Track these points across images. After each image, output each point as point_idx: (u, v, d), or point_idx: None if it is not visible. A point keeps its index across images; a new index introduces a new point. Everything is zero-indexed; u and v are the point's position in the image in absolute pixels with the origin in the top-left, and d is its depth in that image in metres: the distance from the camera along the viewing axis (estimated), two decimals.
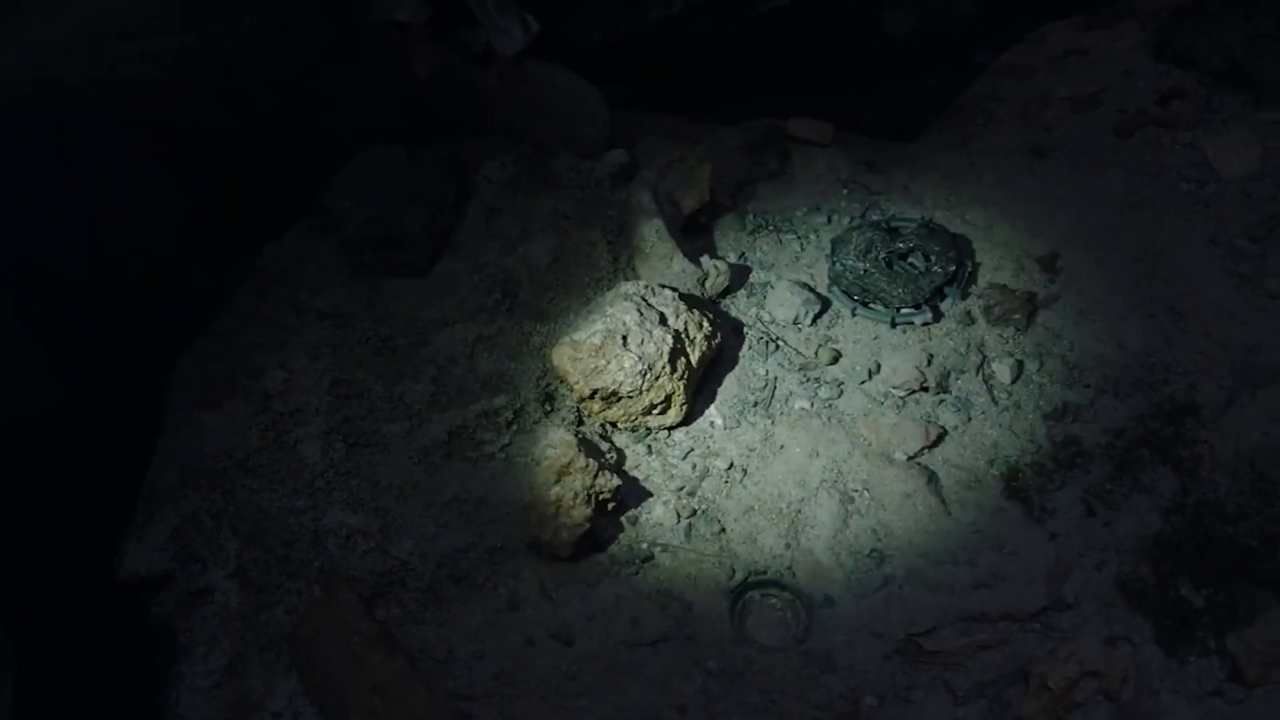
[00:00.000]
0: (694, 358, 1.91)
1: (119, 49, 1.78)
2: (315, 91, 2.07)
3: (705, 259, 2.03)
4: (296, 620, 1.78)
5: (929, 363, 1.96)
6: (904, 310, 2.00)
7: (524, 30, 1.73)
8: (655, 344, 1.87)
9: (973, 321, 2.00)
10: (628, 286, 1.95)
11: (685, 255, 2.01)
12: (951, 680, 1.73)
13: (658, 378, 1.87)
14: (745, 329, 2.01)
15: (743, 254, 2.07)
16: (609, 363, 1.86)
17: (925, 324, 2.00)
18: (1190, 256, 2.02)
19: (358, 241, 2.06)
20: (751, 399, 1.95)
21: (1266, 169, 2.09)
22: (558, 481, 1.81)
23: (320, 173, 2.11)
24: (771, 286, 2.04)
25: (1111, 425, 1.89)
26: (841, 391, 1.96)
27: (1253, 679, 1.69)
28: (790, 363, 1.98)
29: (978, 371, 1.95)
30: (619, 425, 1.91)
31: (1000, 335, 1.98)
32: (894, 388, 1.95)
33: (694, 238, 2.09)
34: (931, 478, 1.87)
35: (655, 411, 1.89)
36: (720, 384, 1.98)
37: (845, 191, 2.16)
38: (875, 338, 2.00)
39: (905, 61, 2.53)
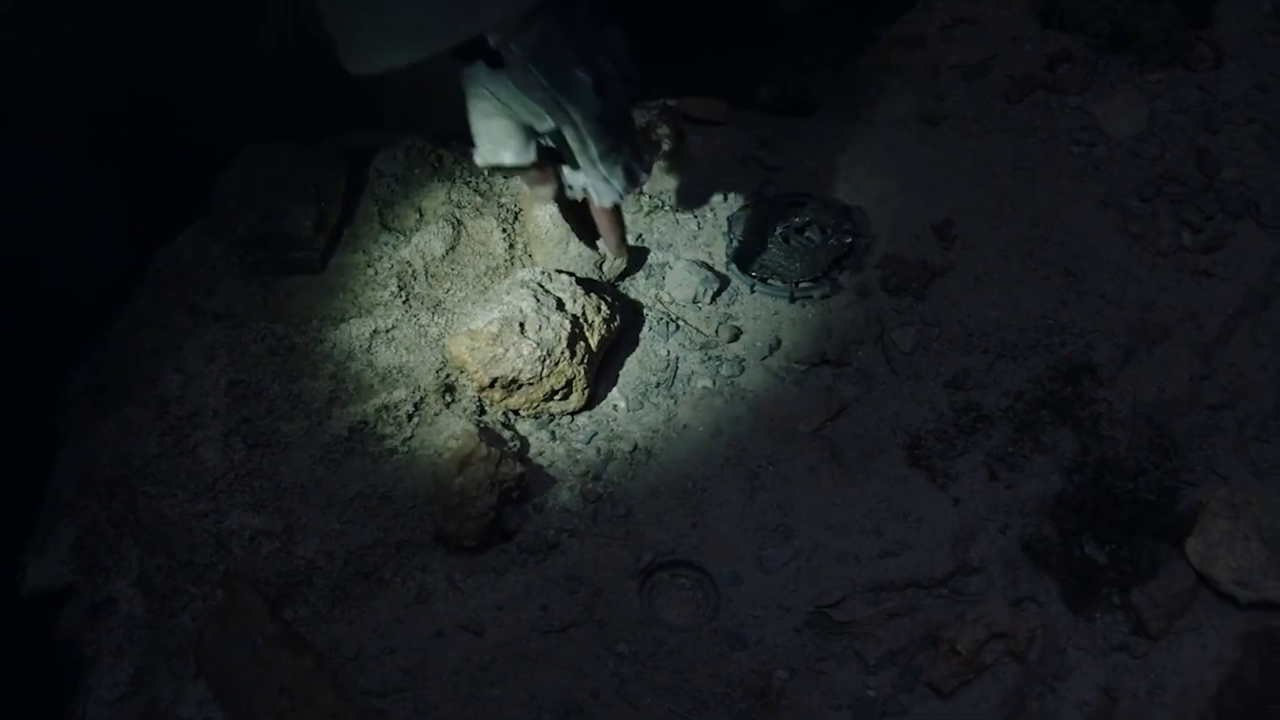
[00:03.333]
0: (593, 341, 1.90)
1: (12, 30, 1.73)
2: (209, 76, 2.03)
3: (601, 242, 2.01)
4: (201, 625, 1.76)
5: (828, 336, 1.97)
6: (802, 284, 2.00)
7: (628, 182, 1.69)
8: (553, 330, 1.86)
9: (871, 293, 2.00)
10: (524, 274, 1.94)
11: (580, 240, 2.00)
12: (862, 649, 1.74)
13: (557, 363, 1.86)
14: (645, 310, 2.00)
15: (640, 235, 2.06)
16: (507, 350, 1.85)
17: (824, 297, 2.00)
18: (1083, 218, 2.03)
19: (248, 241, 2.03)
20: (654, 380, 1.95)
21: (1154, 128, 2.11)
22: (461, 472, 1.80)
23: (210, 170, 2.08)
24: (670, 267, 2.03)
25: (1011, 389, 1.90)
26: (743, 369, 1.95)
27: (1156, 631, 1.72)
28: (691, 342, 1.98)
29: (877, 342, 1.95)
30: (521, 413, 1.90)
31: (898, 305, 1.98)
32: (795, 362, 1.95)
33: (590, 220, 2.06)
34: (835, 450, 1.87)
35: (557, 397, 1.88)
36: (622, 367, 1.97)
37: (741, 169, 2.15)
38: (775, 313, 2.00)
39: (802, 37, 2.53)
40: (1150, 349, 1.91)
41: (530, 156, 1.69)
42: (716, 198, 2.14)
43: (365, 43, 1.48)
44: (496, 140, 1.66)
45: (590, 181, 1.72)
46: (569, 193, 1.77)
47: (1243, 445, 1.85)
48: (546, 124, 1.63)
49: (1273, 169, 2.02)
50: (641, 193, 1.83)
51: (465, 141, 2.11)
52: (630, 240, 2.08)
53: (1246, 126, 2.07)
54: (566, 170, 1.74)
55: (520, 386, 1.87)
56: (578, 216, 1.98)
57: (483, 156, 1.69)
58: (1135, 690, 1.70)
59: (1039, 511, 1.80)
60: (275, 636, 1.71)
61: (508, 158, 1.68)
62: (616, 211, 1.82)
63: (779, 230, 2.06)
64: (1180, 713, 1.68)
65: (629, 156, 1.69)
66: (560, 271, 1.97)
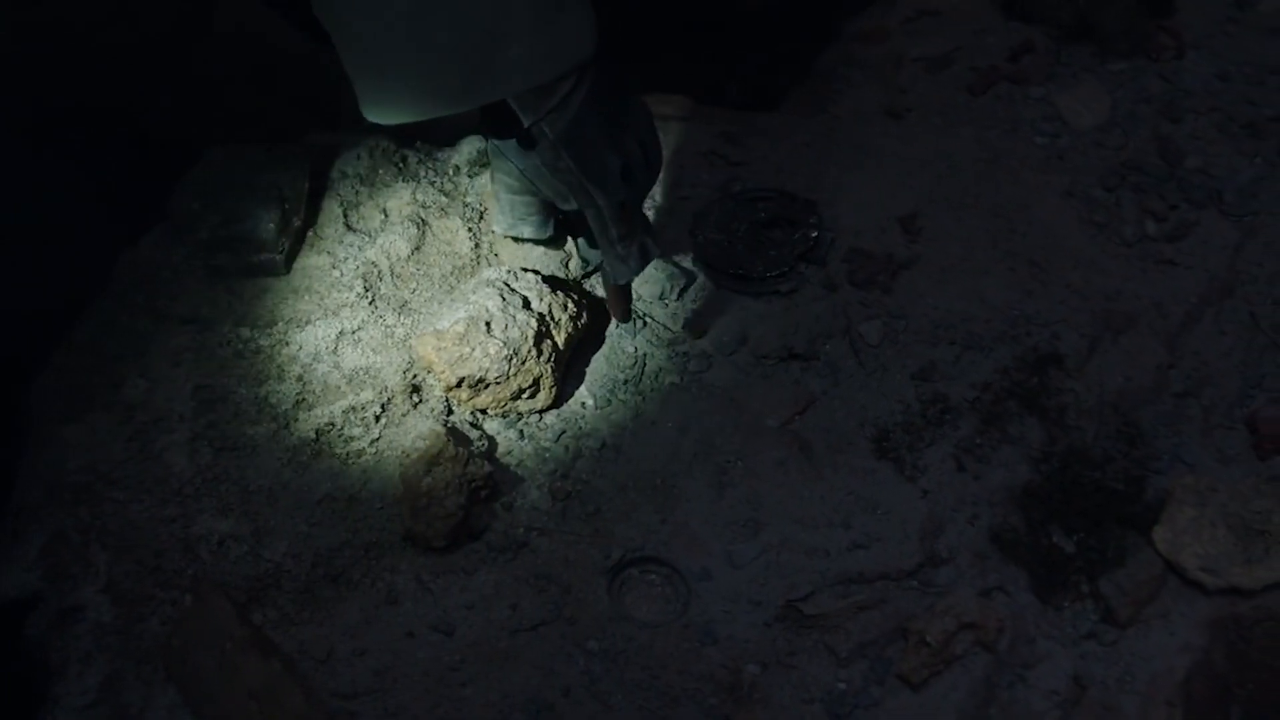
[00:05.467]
0: (560, 340, 1.90)
1: None
2: (169, 68, 2.02)
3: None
4: (169, 631, 1.75)
5: (795, 330, 1.97)
6: (768, 279, 2.00)
7: (641, 260, 1.70)
8: (519, 328, 1.86)
9: (837, 286, 2.00)
10: (489, 273, 1.94)
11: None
12: (832, 643, 1.74)
13: (524, 362, 1.85)
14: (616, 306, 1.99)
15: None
16: (474, 350, 1.84)
17: (790, 292, 2.01)
18: (1047, 209, 2.04)
19: (212, 244, 2.02)
20: (621, 377, 1.95)
21: (1116, 118, 2.12)
22: (429, 472, 1.79)
23: (171, 173, 2.07)
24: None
25: (977, 380, 1.90)
26: (710, 364, 1.95)
27: (1124, 619, 1.72)
28: (658, 339, 1.98)
29: (844, 336, 1.96)
30: (488, 412, 1.90)
31: (865, 298, 1.98)
32: (762, 357, 1.96)
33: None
34: (803, 443, 1.88)
35: (524, 396, 1.88)
36: (589, 364, 1.97)
37: (705, 165, 2.15)
38: (742, 309, 2.00)
39: (767, 32, 2.53)
40: (1116, 338, 1.92)
41: (548, 232, 1.73)
42: (681, 193, 2.14)
43: (383, 95, 1.48)
44: (518, 215, 1.70)
45: (607, 260, 1.73)
46: (581, 266, 1.80)
47: (1208, 433, 1.86)
48: (570, 205, 1.65)
49: (1235, 157, 2.03)
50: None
51: (429, 142, 2.13)
52: None
53: (1208, 115, 2.09)
54: (582, 243, 1.78)
55: (487, 386, 1.86)
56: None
57: (502, 227, 1.73)
58: (1104, 678, 1.70)
59: (1007, 502, 1.80)
60: (244, 640, 1.70)
61: (527, 232, 1.72)
62: (627, 286, 1.82)
63: (744, 226, 2.06)
64: (1149, 699, 1.69)
65: (643, 235, 1.71)
66: (526, 270, 1.96)
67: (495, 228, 1.75)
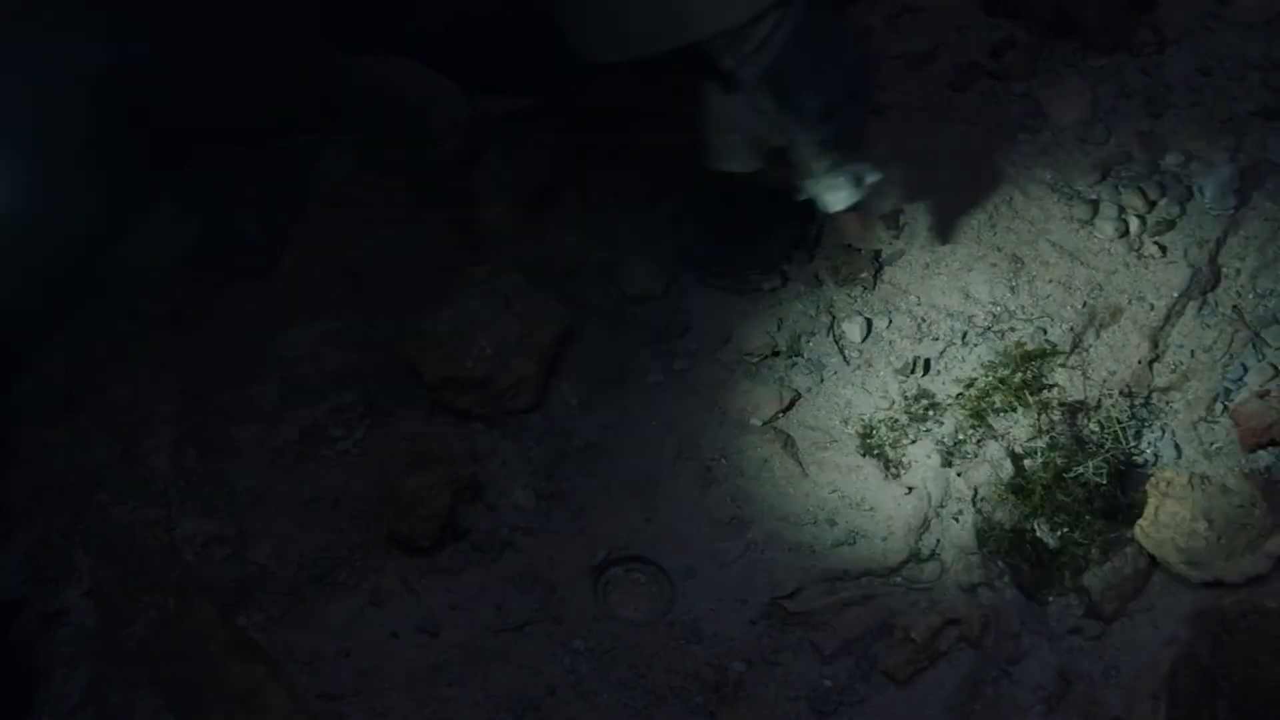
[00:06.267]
0: (544, 339, 1.90)
1: None
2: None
3: (552, 239, 2.01)
4: (154, 634, 1.75)
5: (779, 327, 1.97)
6: (751, 277, 2.00)
7: (856, 186, 1.70)
8: (503, 328, 1.86)
9: (820, 283, 2.00)
10: (474, 272, 1.94)
11: (530, 237, 1.99)
12: (818, 640, 1.74)
13: (508, 362, 1.85)
14: (596, 306, 2.00)
15: (591, 231, 2.05)
16: (458, 350, 1.84)
17: (773, 289, 2.00)
18: (1030, 204, 2.04)
19: (196, 245, 2.02)
20: (605, 376, 1.95)
21: (1098, 114, 2.12)
22: (413, 473, 1.80)
23: (156, 173, 2.06)
24: (620, 262, 2.03)
25: (962, 376, 1.91)
26: (694, 362, 1.95)
27: (1109, 613, 1.73)
28: (643, 336, 1.98)
29: (828, 332, 1.96)
30: (473, 412, 1.90)
31: (848, 295, 1.99)
32: (746, 355, 1.96)
33: (539, 219, 2.07)
34: (787, 441, 1.88)
35: (508, 395, 1.88)
36: (573, 363, 1.97)
37: (688, 162, 2.14)
38: (725, 306, 2.00)
39: None
40: (1099, 333, 1.92)
41: (757, 165, 1.71)
42: (664, 191, 2.13)
43: (596, 35, 1.54)
44: (723, 151, 1.70)
45: (817, 191, 1.73)
46: (797, 195, 1.77)
47: (1192, 427, 1.87)
48: (773, 141, 1.66)
49: (1216, 152, 2.03)
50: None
51: (413, 140, 2.12)
52: (578, 236, 2.07)
53: (1189, 110, 2.09)
54: (792, 182, 1.75)
55: (471, 385, 1.86)
56: None
57: (709, 163, 1.72)
58: (1090, 672, 1.71)
59: (991, 497, 1.81)
60: (228, 644, 1.71)
61: (734, 165, 1.71)
62: (851, 211, 1.80)
63: (728, 223, 2.05)
64: (1134, 693, 1.69)
65: (854, 164, 1.71)
66: (510, 269, 1.96)
67: (706, 162, 1.73)
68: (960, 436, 1.86)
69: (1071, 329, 1.91)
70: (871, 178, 1.72)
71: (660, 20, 1.48)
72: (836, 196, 1.73)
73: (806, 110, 1.59)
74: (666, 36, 1.50)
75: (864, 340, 1.95)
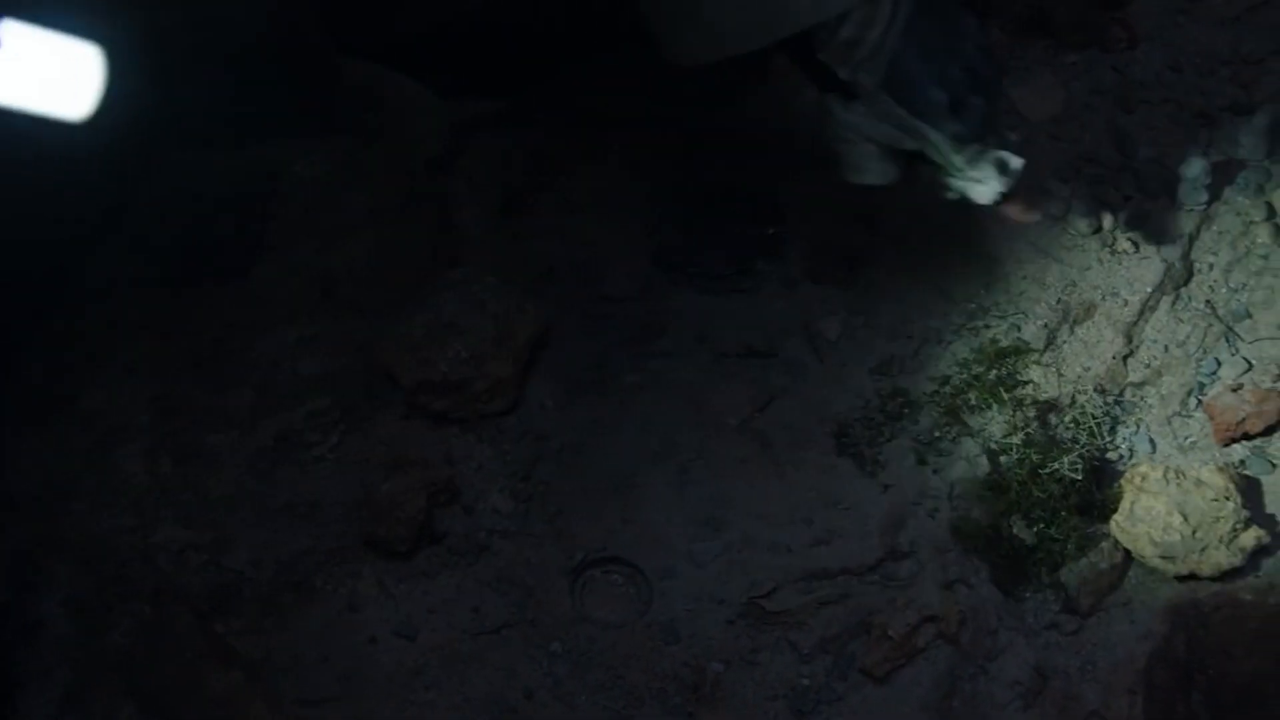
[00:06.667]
0: (520, 341, 1.90)
1: None
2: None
3: (529, 241, 2.01)
4: (130, 642, 1.74)
5: (755, 327, 1.97)
6: (727, 277, 2.00)
7: (1001, 175, 1.61)
8: (479, 331, 1.86)
9: (796, 283, 2.00)
10: (449, 275, 1.94)
11: (506, 240, 1.99)
12: (795, 639, 1.74)
13: (484, 364, 1.85)
14: (573, 307, 2.00)
15: (566, 233, 2.05)
16: (434, 353, 1.84)
17: (749, 289, 2.00)
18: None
19: (169, 251, 2.01)
20: (582, 377, 1.95)
21: (1070, 111, 2.12)
22: (389, 477, 1.80)
23: (131, 177, 2.06)
24: (597, 262, 2.03)
25: (937, 374, 1.91)
26: (671, 363, 1.96)
27: (1086, 608, 1.74)
28: (619, 338, 1.98)
29: (804, 332, 1.96)
30: (449, 415, 1.89)
31: (823, 294, 1.99)
32: (721, 355, 1.96)
33: (515, 222, 2.06)
34: (764, 440, 1.88)
35: (484, 398, 1.88)
36: (550, 365, 1.97)
37: (664, 161, 2.15)
38: (701, 306, 2.00)
39: None
40: (1073, 328, 1.93)
41: (892, 176, 1.65)
42: (640, 192, 2.14)
43: (685, 38, 1.51)
44: (857, 165, 1.64)
45: (963, 186, 1.66)
46: (946, 194, 1.70)
47: (1166, 421, 1.88)
48: (907, 145, 1.60)
49: (1188, 147, 2.04)
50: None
51: (389, 143, 2.12)
52: (556, 238, 2.07)
53: (1161, 106, 2.09)
54: (938, 174, 1.68)
55: (448, 389, 1.86)
56: None
57: (844, 176, 1.66)
58: (1066, 667, 1.72)
59: (967, 494, 1.81)
60: (205, 651, 1.70)
61: (871, 178, 1.65)
62: (1005, 199, 1.70)
63: (703, 223, 2.06)
64: (1111, 687, 1.70)
65: (995, 151, 1.63)
66: (486, 272, 1.96)
67: (842, 175, 1.67)
68: (936, 434, 1.86)
69: (1045, 325, 1.92)
70: (1015, 162, 1.64)
71: (758, 13, 1.43)
72: (985, 189, 1.65)
73: (935, 107, 1.53)
74: (764, 29, 1.45)
75: (839, 339, 1.95)
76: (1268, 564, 1.75)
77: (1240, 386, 1.86)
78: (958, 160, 1.61)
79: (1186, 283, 1.95)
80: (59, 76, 1.39)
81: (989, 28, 2.21)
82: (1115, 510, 1.76)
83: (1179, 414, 1.87)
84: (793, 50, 1.58)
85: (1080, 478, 1.79)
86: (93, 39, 1.43)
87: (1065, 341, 1.92)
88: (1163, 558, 1.72)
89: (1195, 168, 1.99)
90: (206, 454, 1.89)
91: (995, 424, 1.86)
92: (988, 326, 1.93)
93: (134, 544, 1.82)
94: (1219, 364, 1.89)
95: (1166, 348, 1.92)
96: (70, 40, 1.40)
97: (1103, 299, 1.95)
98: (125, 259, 2.08)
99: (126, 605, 1.79)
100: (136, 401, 1.93)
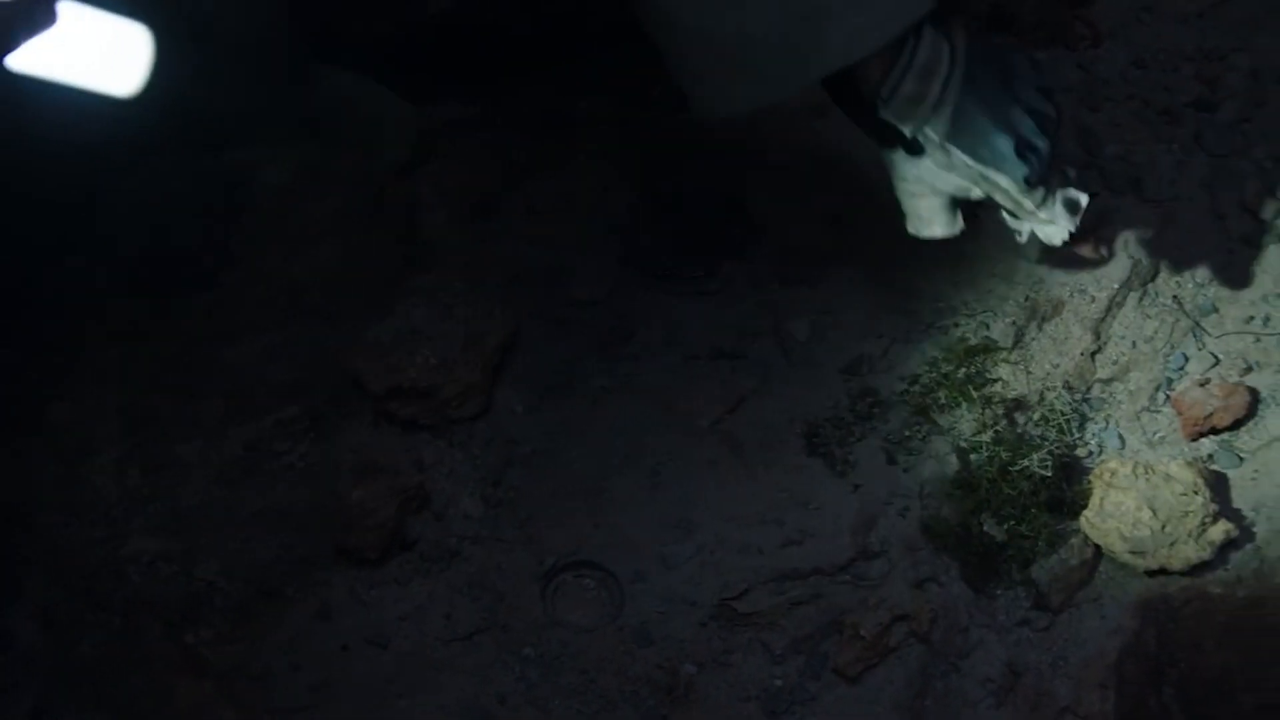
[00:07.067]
0: (489, 346, 1.90)
1: None
2: None
3: (497, 245, 2.01)
4: (100, 654, 1.74)
5: (724, 328, 1.97)
6: (695, 279, 2.00)
7: (1071, 215, 1.62)
8: (447, 336, 1.86)
9: (765, 283, 2.00)
10: (417, 281, 1.94)
11: (475, 244, 1.99)
12: (768, 640, 1.75)
13: (453, 370, 1.85)
14: (542, 311, 1.99)
15: (534, 236, 2.05)
16: (402, 360, 1.84)
17: (717, 291, 2.00)
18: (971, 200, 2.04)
19: (135, 260, 2.00)
20: (551, 381, 1.95)
21: None
22: (359, 484, 1.80)
23: (97, 187, 2.05)
24: (566, 265, 2.03)
25: (906, 373, 1.91)
26: (640, 365, 1.96)
27: (1056, 604, 1.74)
28: (588, 341, 1.98)
29: (772, 333, 1.96)
30: (418, 421, 1.89)
31: (792, 295, 1.99)
32: (691, 357, 1.96)
33: (483, 226, 2.06)
34: (734, 442, 1.88)
35: (454, 404, 1.88)
36: (519, 370, 1.97)
37: (630, 165, 2.15)
38: (670, 309, 2.00)
39: None
40: (1042, 326, 1.94)
41: (959, 226, 1.66)
42: (608, 194, 2.13)
43: (715, 89, 1.49)
44: (925, 217, 1.65)
45: (1034, 227, 1.66)
46: (1018, 238, 1.71)
47: (1135, 417, 1.88)
48: (975, 194, 1.60)
49: (1153, 144, 2.05)
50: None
51: (353, 151, 2.11)
52: (524, 243, 2.06)
53: (1126, 103, 2.10)
54: (1007, 216, 1.69)
55: (417, 395, 1.86)
56: None
57: (913, 229, 1.67)
58: (1038, 663, 1.72)
59: (937, 493, 1.82)
60: (175, 661, 1.70)
61: (939, 231, 1.66)
62: (1074, 238, 1.71)
63: (670, 225, 2.06)
64: (1082, 682, 1.71)
65: (1061, 190, 1.63)
66: (454, 278, 1.96)
67: (909, 229, 1.67)
68: (906, 433, 1.86)
69: (1014, 323, 1.92)
70: (1083, 199, 1.65)
71: (788, 59, 1.42)
72: (1056, 230, 1.65)
73: (1001, 153, 1.53)
74: (796, 75, 1.44)
75: (808, 339, 1.95)
76: (1236, 557, 1.75)
77: (1208, 381, 1.86)
78: (1027, 204, 1.60)
79: (1153, 279, 1.96)
80: (109, 54, 1.42)
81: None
82: (1085, 506, 1.77)
83: (1147, 409, 1.88)
84: (842, 102, 1.58)
85: (1050, 474, 1.79)
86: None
87: (1034, 339, 1.92)
88: (1133, 553, 1.72)
89: (1161, 164, 2.00)
90: (176, 464, 1.88)
91: (965, 422, 1.86)
92: (956, 325, 1.94)
93: (104, 555, 1.81)
94: (1186, 359, 1.90)
95: (1134, 344, 1.92)
96: (119, 19, 1.42)
97: (1070, 296, 1.95)
98: (92, 268, 2.06)
99: (96, 617, 1.79)
100: (105, 412, 1.93)
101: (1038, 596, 1.76)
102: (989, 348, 1.92)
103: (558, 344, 1.98)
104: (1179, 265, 1.96)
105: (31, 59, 1.30)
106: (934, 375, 1.91)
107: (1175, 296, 1.94)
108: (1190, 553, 1.72)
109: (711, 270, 2.03)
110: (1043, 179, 1.60)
